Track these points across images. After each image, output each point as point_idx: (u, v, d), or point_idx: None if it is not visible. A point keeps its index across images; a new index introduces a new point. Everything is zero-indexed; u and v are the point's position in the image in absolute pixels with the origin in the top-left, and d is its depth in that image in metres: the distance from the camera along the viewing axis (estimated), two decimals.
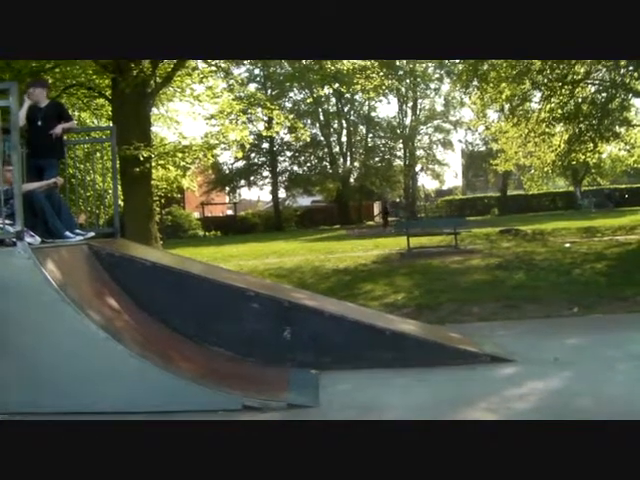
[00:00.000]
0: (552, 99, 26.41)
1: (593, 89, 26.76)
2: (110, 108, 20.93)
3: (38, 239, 8.45)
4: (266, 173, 64.74)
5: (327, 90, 34.81)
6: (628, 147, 28.39)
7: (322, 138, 64.17)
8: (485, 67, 25.06)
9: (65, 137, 10.34)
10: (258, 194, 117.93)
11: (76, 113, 22.02)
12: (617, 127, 26.45)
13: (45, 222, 9.03)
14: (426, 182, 76.48)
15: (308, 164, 65.82)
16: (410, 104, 67.77)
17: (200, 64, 21.24)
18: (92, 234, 9.55)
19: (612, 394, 6.79)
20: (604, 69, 25.20)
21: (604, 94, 26.05)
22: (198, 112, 29.73)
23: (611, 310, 11.72)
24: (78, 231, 9.44)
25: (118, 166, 16.25)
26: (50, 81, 19.12)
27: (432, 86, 66.70)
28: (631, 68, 23.70)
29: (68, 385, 6.86)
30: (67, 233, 9.14)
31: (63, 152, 10.18)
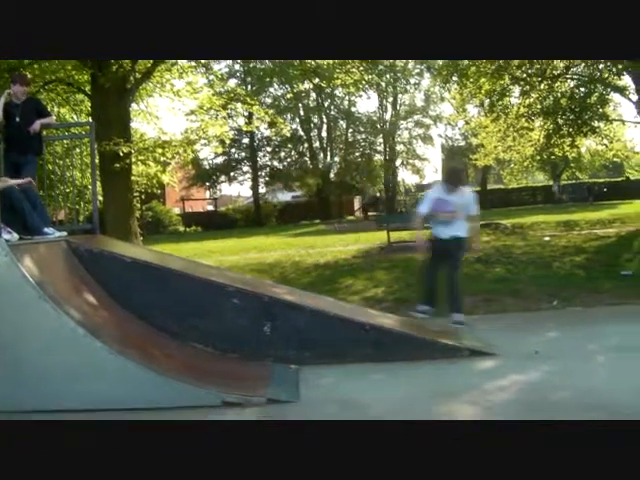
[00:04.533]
0: (531, 94, 26.57)
1: (572, 84, 26.91)
2: (89, 104, 20.87)
3: (16, 236, 8.40)
4: (246, 168, 64.57)
5: (307, 85, 34.79)
6: (606, 141, 28.55)
7: (302, 133, 64.05)
8: (465, 62, 25.14)
9: (44, 133, 10.28)
10: (238, 189, 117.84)
11: (55, 109, 21.92)
12: (596, 122, 26.60)
13: (23, 219, 8.97)
14: (406, 177, 76.37)
15: (288, 159, 65.75)
16: (390, 99, 67.73)
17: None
18: (65, 233, 9.46)
19: (591, 387, 6.83)
20: (583, 64, 25.35)
21: (583, 89, 26.21)
22: (178, 108, 29.70)
23: (590, 303, 11.78)
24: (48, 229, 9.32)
25: (98, 162, 16.19)
26: (29, 77, 19.06)
27: (412, 81, 66.64)
28: (609, 63, 23.86)
29: (47, 382, 6.81)
30: (45, 229, 9.09)
31: (41, 148, 10.10)
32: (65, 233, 9.48)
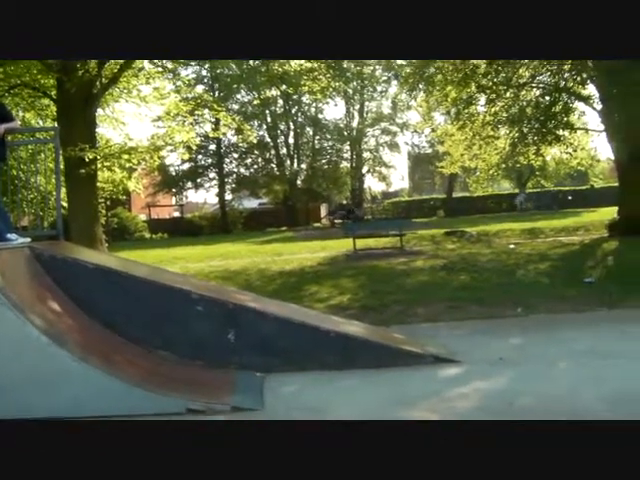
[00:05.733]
0: (497, 102, 26.77)
1: (537, 92, 27.15)
2: (55, 109, 20.74)
3: None
4: (213, 175, 64.33)
5: (274, 92, 34.90)
6: (571, 150, 28.83)
7: (269, 140, 64.04)
8: (431, 70, 25.30)
9: (9, 138, 10.18)
10: (205, 196, 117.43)
11: (20, 113, 21.79)
12: (560, 130, 26.85)
13: None
14: (373, 184, 76.62)
15: (255, 166, 65.65)
16: (357, 106, 67.98)
17: (147, 65, 21.15)
18: (28, 240, 9.36)
19: (555, 393, 6.88)
20: (548, 72, 25.58)
21: (548, 97, 26.46)
22: (145, 113, 29.51)
23: (554, 310, 11.86)
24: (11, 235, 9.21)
25: (63, 167, 16.08)
26: None
27: (379, 89, 66.95)
28: (574, 72, 24.10)
29: (9, 392, 6.73)
30: (8, 235, 8.99)
31: (4, 153, 9.98)
32: (28, 239, 9.37)
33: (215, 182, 64.30)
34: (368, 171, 71.42)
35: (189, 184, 65.24)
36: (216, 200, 67.25)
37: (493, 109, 27.12)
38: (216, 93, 55.20)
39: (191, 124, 24.52)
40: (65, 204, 18.29)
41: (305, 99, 59.25)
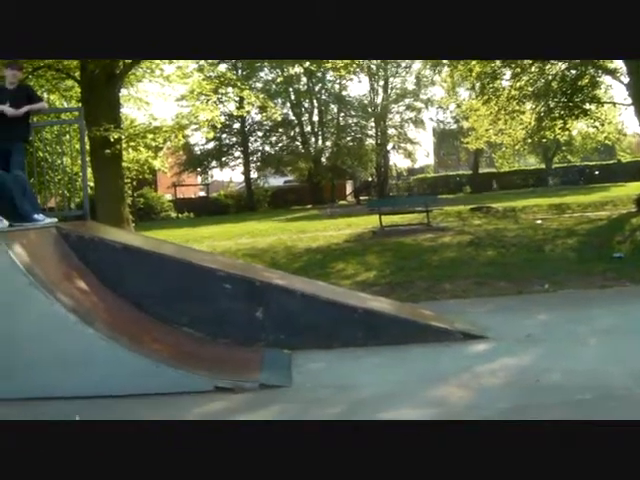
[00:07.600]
0: (522, 76, 26.54)
1: (563, 66, 26.89)
2: (79, 90, 20.79)
3: (6, 223, 8.38)
4: (238, 154, 64.24)
5: (298, 69, 34.74)
6: (597, 124, 28.54)
7: (293, 118, 63.78)
8: None
9: (35, 119, 10.20)
10: (230, 175, 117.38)
11: (45, 95, 21.86)
12: (587, 104, 26.61)
13: (13, 205, 8.91)
14: (398, 161, 76.12)
15: (280, 144, 65.41)
16: (381, 82, 67.53)
17: None
18: (55, 220, 9.40)
19: (582, 369, 6.84)
20: None
21: (574, 71, 26.20)
22: (168, 93, 29.37)
23: (582, 286, 11.79)
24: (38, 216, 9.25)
25: (88, 148, 16.12)
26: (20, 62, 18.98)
27: (403, 64, 66.43)
28: None
29: (38, 370, 6.79)
30: (35, 216, 9.04)
31: (28, 134, 9.96)
32: (55, 219, 9.42)
33: (240, 160, 64.24)
34: (393, 148, 71.08)
35: (214, 163, 65.23)
36: (241, 178, 67.31)
37: (518, 83, 26.92)
38: (239, 71, 55.08)
39: (215, 103, 24.47)
40: (91, 184, 18.37)
41: (329, 76, 58.94)
